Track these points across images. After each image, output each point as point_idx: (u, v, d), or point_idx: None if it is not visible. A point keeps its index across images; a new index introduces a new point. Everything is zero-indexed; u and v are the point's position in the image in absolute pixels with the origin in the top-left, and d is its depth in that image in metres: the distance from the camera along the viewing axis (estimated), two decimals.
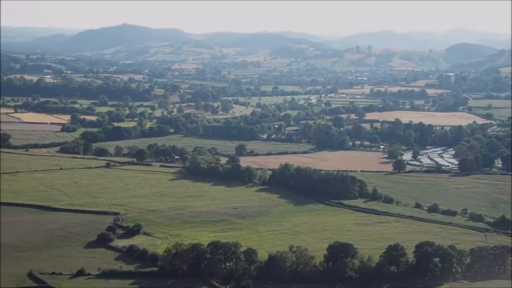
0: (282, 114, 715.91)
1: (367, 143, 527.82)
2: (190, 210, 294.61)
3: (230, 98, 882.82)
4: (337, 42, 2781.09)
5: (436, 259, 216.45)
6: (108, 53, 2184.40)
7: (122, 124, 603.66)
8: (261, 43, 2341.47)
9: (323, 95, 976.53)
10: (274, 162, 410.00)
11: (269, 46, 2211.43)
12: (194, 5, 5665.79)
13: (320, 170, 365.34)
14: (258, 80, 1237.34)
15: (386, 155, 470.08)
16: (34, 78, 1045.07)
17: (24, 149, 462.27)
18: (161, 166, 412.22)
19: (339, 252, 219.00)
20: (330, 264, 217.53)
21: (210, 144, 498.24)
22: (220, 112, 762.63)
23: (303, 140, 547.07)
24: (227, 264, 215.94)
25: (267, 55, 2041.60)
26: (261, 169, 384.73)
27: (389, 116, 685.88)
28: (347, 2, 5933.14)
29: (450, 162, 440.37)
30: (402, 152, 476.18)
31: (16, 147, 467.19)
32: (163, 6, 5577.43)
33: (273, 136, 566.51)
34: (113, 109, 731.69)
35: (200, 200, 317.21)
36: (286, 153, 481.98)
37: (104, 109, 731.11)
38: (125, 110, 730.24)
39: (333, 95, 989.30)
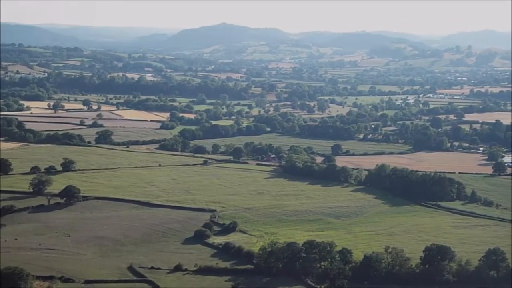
0: (379, 114, 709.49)
1: (465, 144, 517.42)
2: (286, 209, 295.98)
3: (326, 98, 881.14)
4: (436, 41, 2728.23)
5: None
6: (207, 52, 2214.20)
7: (220, 122, 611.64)
8: (358, 43, 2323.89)
9: (421, 95, 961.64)
10: (370, 163, 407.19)
11: (367, 46, 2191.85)
12: (292, 4, 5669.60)
13: (417, 171, 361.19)
14: (355, 80, 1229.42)
15: (486, 157, 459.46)
16: (136, 76, 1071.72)
17: (125, 146, 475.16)
18: (257, 164, 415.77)
19: (436, 254, 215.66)
20: (427, 266, 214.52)
21: (306, 143, 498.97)
22: (316, 112, 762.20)
23: (400, 141, 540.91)
24: (322, 263, 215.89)
25: (365, 55, 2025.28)
26: (357, 169, 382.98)
27: (489, 117, 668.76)
28: (447, 1, 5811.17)
29: None
30: (503, 154, 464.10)
31: (118, 144, 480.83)
32: (262, 6, 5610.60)
33: (370, 136, 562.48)
34: (211, 107, 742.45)
35: (295, 199, 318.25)
36: (382, 153, 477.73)
37: (202, 107, 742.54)
38: (222, 109, 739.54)
39: (431, 95, 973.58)
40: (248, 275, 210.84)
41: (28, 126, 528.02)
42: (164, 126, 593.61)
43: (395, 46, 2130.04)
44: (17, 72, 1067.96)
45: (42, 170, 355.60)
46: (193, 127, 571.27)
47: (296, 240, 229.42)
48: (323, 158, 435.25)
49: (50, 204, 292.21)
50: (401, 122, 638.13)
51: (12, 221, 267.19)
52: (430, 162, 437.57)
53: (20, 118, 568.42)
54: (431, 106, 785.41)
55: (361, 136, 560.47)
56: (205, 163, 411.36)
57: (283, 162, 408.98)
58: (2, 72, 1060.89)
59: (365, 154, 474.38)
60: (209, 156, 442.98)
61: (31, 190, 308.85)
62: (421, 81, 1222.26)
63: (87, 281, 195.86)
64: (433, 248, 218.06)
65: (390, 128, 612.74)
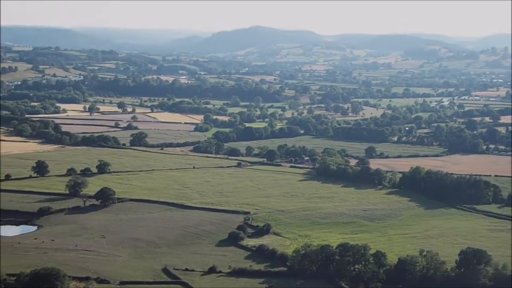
0: (413, 116, 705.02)
1: (502, 147, 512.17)
2: (319, 211, 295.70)
3: (360, 100, 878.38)
4: (471, 43, 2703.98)
5: None
6: (241, 54, 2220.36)
7: (253, 125, 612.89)
8: (392, 45, 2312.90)
9: (456, 98, 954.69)
10: (404, 165, 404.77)
11: (401, 48, 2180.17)
12: (326, 6, 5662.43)
13: (452, 174, 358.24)
14: (388, 82, 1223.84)
15: None
16: (170, 79, 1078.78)
17: (159, 148, 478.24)
18: (291, 166, 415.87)
19: (472, 258, 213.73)
20: (462, 270, 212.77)
21: (339, 146, 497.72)
22: (350, 114, 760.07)
23: (434, 143, 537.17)
24: (356, 266, 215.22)
25: (399, 57, 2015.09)
26: (391, 171, 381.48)
27: None
28: (483, 2, 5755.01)
29: None
30: None
31: (152, 146, 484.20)
32: (295, 8, 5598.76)
33: (404, 138, 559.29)
34: (244, 109, 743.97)
35: (329, 201, 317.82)
36: (417, 156, 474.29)
37: (235, 110, 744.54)
38: (256, 111, 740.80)
39: (466, 97, 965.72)
40: (282, 277, 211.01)
41: (64, 128, 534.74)
42: (198, 128, 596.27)
43: (430, 48, 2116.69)
44: (54, 75, 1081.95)
45: (78, 172, 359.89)
46: (227, 130, 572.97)
47: (330, 243, 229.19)
48: (357, 160, 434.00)
49: (85, 206, 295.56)
50: (435, 124, 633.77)
51: (49, 222, 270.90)
52: (465, 164, 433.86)
53: (56, 121, 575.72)
54: (466, 108, 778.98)
55: (395, 139, 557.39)
56: (238, 165, 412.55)
57: (317, 165, 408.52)
58: (39, 75, 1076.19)
59: (399, 156, 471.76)
60: (243, 158, 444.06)
61: (67, 192, 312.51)
62: (456, 83, 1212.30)
63: (122, 282, 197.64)
64: (468, 251, 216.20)
65: (425, 131, 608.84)
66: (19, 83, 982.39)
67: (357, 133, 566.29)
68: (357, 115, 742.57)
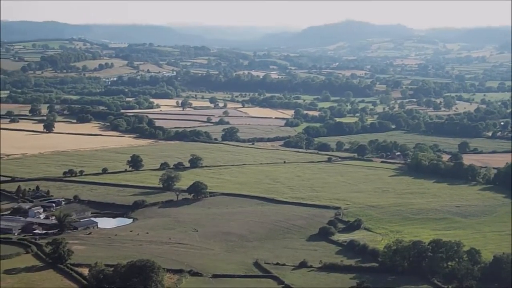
0: (508, 111, 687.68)
1: None
2: (411, 207, 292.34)
3: (453, 94, 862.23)
4: None
5: None
6: (331, 49, 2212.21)
7: (344, 120, 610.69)
8: (486, 38, 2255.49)
9: None
10: (499, 161, 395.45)
11: (495, 41, 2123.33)
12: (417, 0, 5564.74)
13: None
14: (482, 76, 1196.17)
15: None
16: (261, 74, 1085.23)
17: (251, 143, 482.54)
18: (382, 162, 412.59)
19: None
20: None
21: (431, 141, 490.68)
22: (443, 109, 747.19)
23: None
24: (449, 263, 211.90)
25: (493, 50, 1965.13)
26: (485, 167, 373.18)
27: None
28: None
29: None
30: None
31: (243, 141, 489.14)
32: (387, 2, 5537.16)
33: (499, 133, 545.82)
34: (335, 104, 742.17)
35: (421, 197, 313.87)
36: None
37: (326, 105, 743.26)
38: (346, 106, 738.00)
39: None
40: (373, 273, 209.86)
41: (157, 123, 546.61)
42: (288, 123, 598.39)
43: None
44: (148, 71, 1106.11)
45: (171, 166, 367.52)
46: (317, 124, 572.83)
47: (422, 239, 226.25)
48: (449, 156, 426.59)
49: (178, 200, 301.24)
50: None
51: (143, 215, 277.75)
52: None
53: (150, 116, 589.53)
54: None
55: (490, 134, 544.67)
56: (329, 160, 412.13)
57: (408, 160, 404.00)
58: (134, 71, 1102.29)
59: (493, 152, 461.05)
60: (333, 153, 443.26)
61: (161, 186, 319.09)
62: None
63: (215, 276, 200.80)
64: None
65: None
66: (115, 79, 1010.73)
67: (450, 128, 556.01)
68: (449, 110, 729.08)
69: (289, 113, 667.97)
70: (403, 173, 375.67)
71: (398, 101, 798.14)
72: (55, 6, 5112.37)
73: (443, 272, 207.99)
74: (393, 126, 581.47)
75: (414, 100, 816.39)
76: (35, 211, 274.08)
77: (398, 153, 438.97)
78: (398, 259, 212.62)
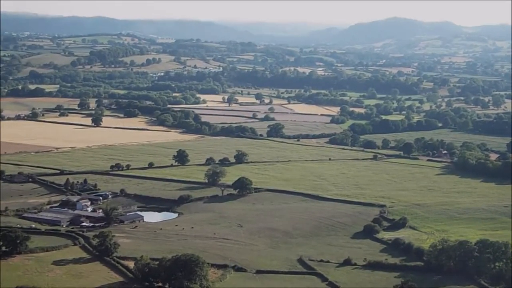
0: None
1: None
2: (457, 206, 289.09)
3: (502, 93, 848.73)
4: None
5: None
6: (378, 46, 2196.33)
7: (390, 117, 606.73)
8: None
9: None
10: None
11: None
12: None
13: None
14: None
15: None
16: (307, 71, 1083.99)
17: (296, 139, 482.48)
18: (428, 160, 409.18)
19: None
20: None
21: (479, 140, 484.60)
22: (491, 107, 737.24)
23: None
24: (497, 264, 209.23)
25: None
26: None
27: None
28: None
29: None
30: None
31: (288, 137, 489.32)
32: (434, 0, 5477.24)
33: None
34: (381, 102, 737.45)
35: (468, 196, 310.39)
36: None
37: (372, 102, 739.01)
38: (393, 103, 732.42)
39: None
40: (418, 272, 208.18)
41: (203, 118, 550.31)
42: (334, 120, 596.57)
43: None
44: (195, 67, 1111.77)
45: (217, 162, 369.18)
46: (363, 122, 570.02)
47: (469, 239, 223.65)
48: (497, 155, 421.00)
49: (223, 195, 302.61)
50: None
51: (188, 210, 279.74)
52: None
53: (196, 111, 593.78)
54: None
55: None
56: (374, 158, 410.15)
57: (455, 159, 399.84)
58: (181, 66, 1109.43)
59: None
60: (379, 151, 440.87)
61: (206, 181, 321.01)
62: None
63: (259, 271, 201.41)
64: None
65: None
66: (162, 74, 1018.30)
67: (499, 127, 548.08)
68: (498, 109, 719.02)
69: (334, 110, 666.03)
70: (450, 172, 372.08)
71: (446, 99, 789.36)
72: (104, 2, 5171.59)
73: (490, 273, 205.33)
74: (440, 125, 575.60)
75: (462, 98, 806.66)
76: (83, 204, 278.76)
77: (445, 151, 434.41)
78: (444, 258, 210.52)
